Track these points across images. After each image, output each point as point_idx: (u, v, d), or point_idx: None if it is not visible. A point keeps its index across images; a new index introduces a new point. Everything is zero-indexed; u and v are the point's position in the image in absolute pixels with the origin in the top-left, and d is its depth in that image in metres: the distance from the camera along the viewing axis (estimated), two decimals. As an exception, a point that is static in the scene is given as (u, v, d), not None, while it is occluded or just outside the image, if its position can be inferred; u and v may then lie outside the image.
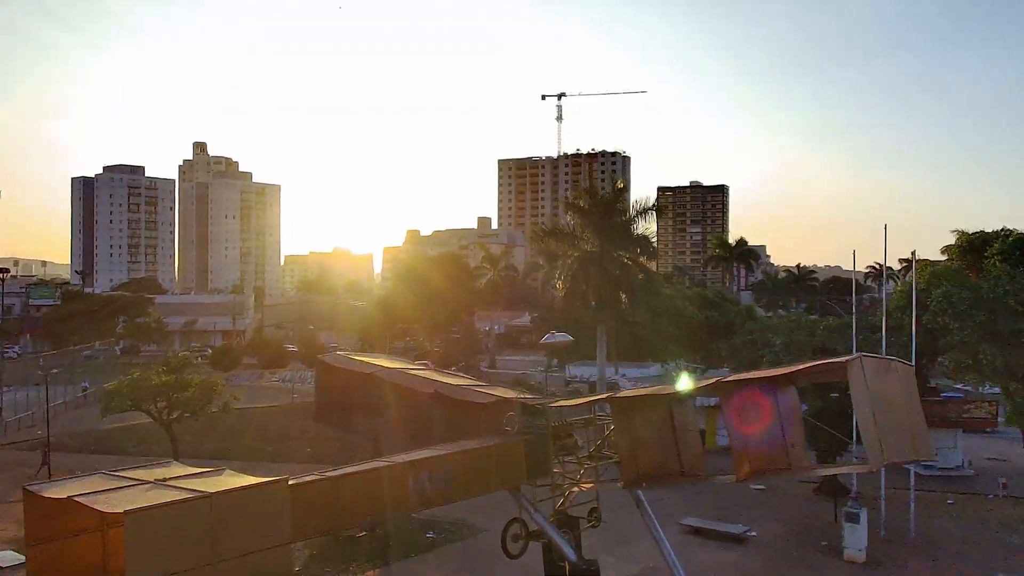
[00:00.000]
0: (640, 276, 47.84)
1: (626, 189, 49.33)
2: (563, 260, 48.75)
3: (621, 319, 50.73)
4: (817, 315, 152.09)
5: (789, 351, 36.53)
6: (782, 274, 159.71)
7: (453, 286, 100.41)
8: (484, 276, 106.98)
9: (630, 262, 48.07)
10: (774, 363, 36.70)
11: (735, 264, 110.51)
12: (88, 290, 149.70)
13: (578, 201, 49.24)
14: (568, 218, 50.56)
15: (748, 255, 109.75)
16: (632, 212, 48.97)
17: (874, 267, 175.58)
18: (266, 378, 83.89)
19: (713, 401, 52.13)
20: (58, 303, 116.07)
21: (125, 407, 41.71)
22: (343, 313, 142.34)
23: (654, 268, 50.40)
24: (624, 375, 58.97)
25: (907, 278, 42.72)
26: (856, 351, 35.10)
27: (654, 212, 50.26)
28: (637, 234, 48.59)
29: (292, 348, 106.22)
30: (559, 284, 49.42)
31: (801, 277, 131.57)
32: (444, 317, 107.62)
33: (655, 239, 52.46)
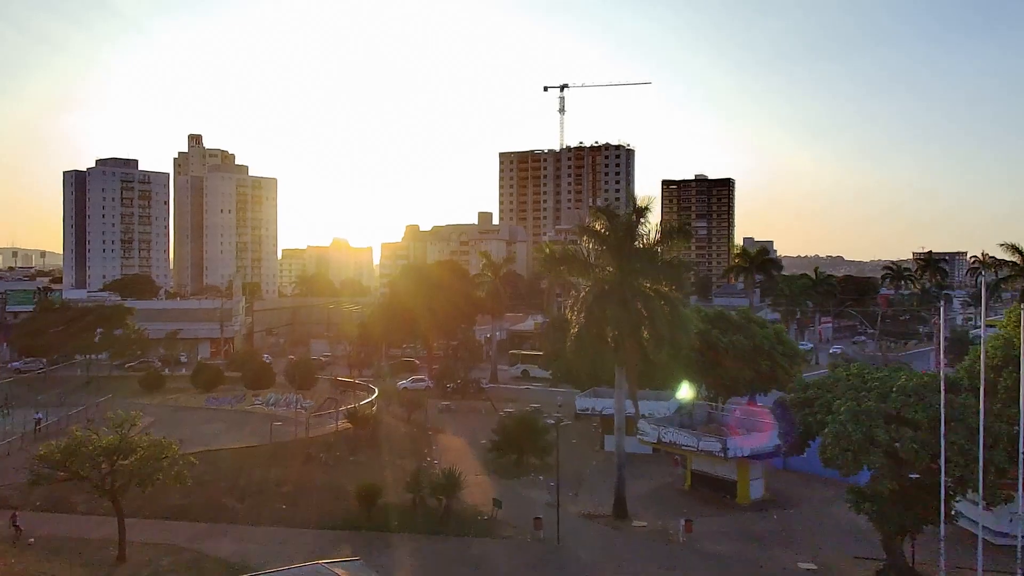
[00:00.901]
0: (665, 308, 41.17)
1: (649, 208, 42.56)
2: (576, 292, 42.12)
3: (643, 357, 44.09)
4: (830, 318, 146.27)
5: (858, 421, 29.76)
6: (793, 271, 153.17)
7: (452, 297, 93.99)
8: (485, 283, 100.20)
9: (654, 293, 41.42)
10: (839, 436, 30.03)
11: (755, 274, 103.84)
12: (72, 295, 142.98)
13: (594, 224, 42.61)
14: (582, 243, 43.89)
15: (770, 264, 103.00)
16: (656, 235, 42.38)
17: (890, 268, 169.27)
18: (248, 400, 77.28)
19: (747, 451, 45.75)
20: (35, 310, 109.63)
21: (60, 475, 35.22)
22: (339, 318, 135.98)
23: (683, 297, 43.46)
24: (644, 415, 52.26)
25: (1008, 321, 35.82)
26: (944, 422, 28.58)
27: (681, 234, 43.73)
28: (664, 260, 41.94)
29: (268, 359, 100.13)
30: (572, 316, 42.78)
31: (819, 281, 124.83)
32: (443, 326, 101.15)
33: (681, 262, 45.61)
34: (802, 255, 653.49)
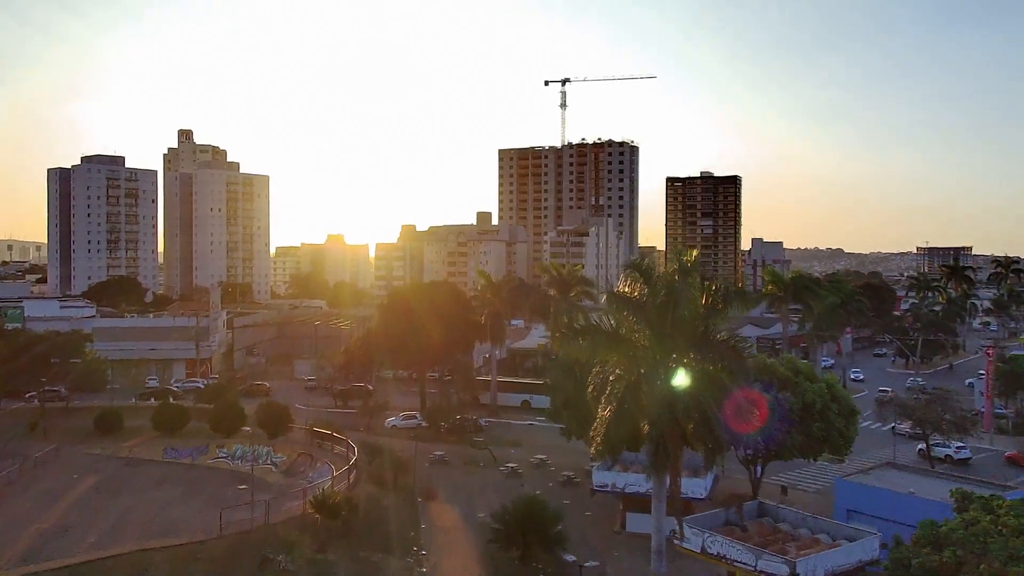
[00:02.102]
0: (723, 402, 31.26)
1: (696, 266, 32.67)
2: (603, 377, 32.10)
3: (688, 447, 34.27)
4: (850, 328, 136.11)
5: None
6: (793, 263, 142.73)
7: (447, 324, 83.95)
8: (485, 306, 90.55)
9: (707, 380, 31.44)
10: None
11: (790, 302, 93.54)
12: (38, 309, 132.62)
13: (625, 287, 32.59)
14: (610, 313, 33.88)
15: (805, 291, 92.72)
16: (710, 303, 32.42)
17: (916, 278, 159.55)
18: (212, 452, 67.35)
19: (821, 573, 35.85)
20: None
21: None
22: (327, 333, 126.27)
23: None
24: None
25: None
26: None
27: (739, 298, 33.81)
28: (721, 337, 31.98)
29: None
30: (597, 406, 32.83)
31: (849, 298, 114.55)
32: (439, 353, 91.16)
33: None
34: (802, 247, 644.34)
